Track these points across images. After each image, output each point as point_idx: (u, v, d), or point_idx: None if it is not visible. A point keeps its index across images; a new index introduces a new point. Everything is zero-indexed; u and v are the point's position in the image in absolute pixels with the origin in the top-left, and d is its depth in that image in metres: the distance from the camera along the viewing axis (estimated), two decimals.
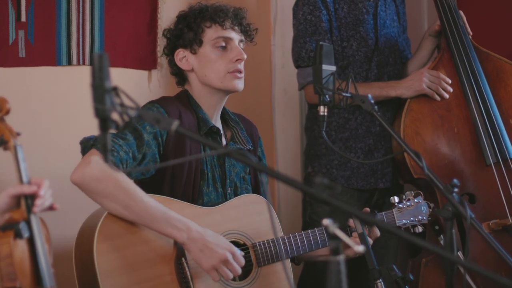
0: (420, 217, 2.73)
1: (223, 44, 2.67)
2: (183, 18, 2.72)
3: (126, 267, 2.37)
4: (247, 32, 2.74)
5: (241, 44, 2.71)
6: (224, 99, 2.73)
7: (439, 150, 3.16)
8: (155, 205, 2.40)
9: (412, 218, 2.73)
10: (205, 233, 2.42)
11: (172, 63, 2.75)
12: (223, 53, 2.67)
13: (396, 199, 2.73)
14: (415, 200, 2.74)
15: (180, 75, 2.76)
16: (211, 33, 2.67)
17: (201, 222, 2.48)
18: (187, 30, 2.68)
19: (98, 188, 2.36)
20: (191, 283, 2.43)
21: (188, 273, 2.43)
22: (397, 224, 2.70)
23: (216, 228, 2.51)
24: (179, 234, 2.40)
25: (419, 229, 2.74)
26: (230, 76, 2.65)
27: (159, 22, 3.27)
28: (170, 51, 2.74)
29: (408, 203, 2.73)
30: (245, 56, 2.67)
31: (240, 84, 2.68)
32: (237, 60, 2.65)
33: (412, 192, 2.76)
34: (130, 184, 2.40)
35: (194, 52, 2.68)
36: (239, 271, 2.45)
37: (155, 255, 2.42)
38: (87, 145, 2.44)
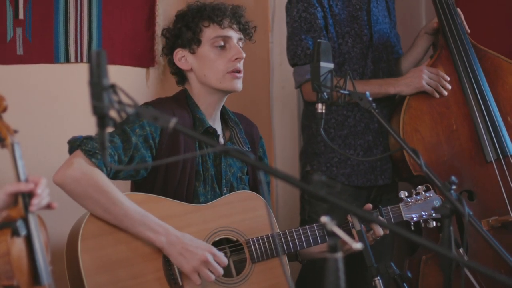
0: (432, 211, 2.69)
1: (222, 43, 2.65)
2: (181, 17, 2.71)
3: (111, 265, 2.37)
4: (246, 31, 2.72)
5: (240, 43, 2.70)
6: (223, 99, 2.71)
7: (438, 147, 3.16)
8: (135, 209, 2.39)
9: (422, 213, 2.69)
10: (183, 237, 2.42)
11: (171, 63, 2.74)
12: (222, 52, 2.65)
13: (406, 193, 2.71)
14: (426, 194, 2.72)
15: (179, 75, 2.74)
16: (209, 33, 2.65)
17: (191, 219, 2.48)
18: (186, 30, 2.66)
19: (78, 190, 2.36)
20: (179, 280, 2.43)
21: (176, 269, 2.43)
22: (404, 218, 2.67)
23: (207, 225, 2.51)
24: (158, 239, 2.39)
25: (433, 223, 2.71)
26: (229, 76, 2.64)
27: (157, 19, 3.26)
28: (169, 51, 2.73)
29: (417, 197, 2.70)
30: (244, 55, 2.65)
31: (239, 84, 2.66)
32: (236, 59, 2.64)
33: (424, 186, 2.74)
34: (110, 188, 2.39)
35: (193, 52, 2.67)
36: (221, 271, 2.43)
37: (142, 253, 2.41)
38: (73, 145, 2.44)
